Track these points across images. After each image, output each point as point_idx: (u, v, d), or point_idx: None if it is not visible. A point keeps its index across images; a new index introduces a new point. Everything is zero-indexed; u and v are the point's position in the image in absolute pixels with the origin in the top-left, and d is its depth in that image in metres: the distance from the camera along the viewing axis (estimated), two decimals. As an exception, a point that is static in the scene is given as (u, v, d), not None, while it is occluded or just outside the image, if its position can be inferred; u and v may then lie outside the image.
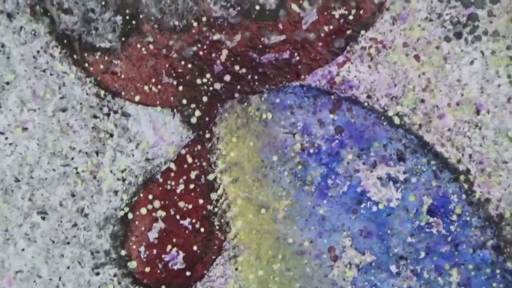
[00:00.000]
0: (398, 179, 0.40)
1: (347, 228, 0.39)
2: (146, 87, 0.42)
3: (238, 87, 0.42)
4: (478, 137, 0.40)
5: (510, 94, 0.40)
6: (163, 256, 0.41)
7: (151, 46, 0.43)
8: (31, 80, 0.42)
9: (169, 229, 0.41)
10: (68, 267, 0.41)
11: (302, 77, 0.41)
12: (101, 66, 0.42)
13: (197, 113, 0.42)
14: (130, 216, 0.41)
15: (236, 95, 0.42)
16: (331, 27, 0.41)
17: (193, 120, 0.42)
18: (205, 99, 0.42)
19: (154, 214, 0.41)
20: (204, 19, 0.43)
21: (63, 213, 0.41)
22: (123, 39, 0.43)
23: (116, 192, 0.41)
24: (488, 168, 0.40)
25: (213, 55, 0.42)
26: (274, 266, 0.40)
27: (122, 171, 0.42)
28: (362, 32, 0.41)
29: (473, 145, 0.40)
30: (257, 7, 0.42)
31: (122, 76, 0.42)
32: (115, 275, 0.41)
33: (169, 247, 0.41)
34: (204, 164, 0.41)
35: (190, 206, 0.41)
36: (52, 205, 0.41)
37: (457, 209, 0.39)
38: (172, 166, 0.41)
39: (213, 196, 0.41)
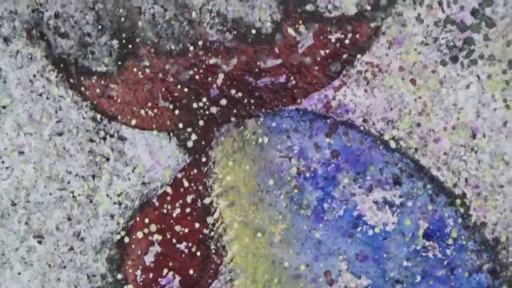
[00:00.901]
0: (394, 203, 0.38)
1: (343, 252, 0.38)
2: (142, 111, 0.41)
3: (234, 111, 0.41)
4: (474, 161, 0.39)
5: (506, 118, 0.39)
6: (159, 280, 0.39)
7: (147, 70, 0.42)
8: (27, 104, 0.41)
9: (165, 253, 0.40)
10: None
11: (298, 101, 0.40)
12: (98, 90, 0.41)
13: (193, 137, 0.40)
14: (126, 240, 0.40)
15: (232, 119, 0.40)
16: (327, 51, 0.40)
17: (190, 144, 0.40)
18: (201, 123, 0.40)
19: (150, 237, 0.40)
20: (200, 43, 0.41)
21: (60, 237, 0.40)
22: (119, 63, 0.41)
23: (112, 216, 0.40)
24: (484, 192, 0.38)
25: (209, 79, 0.41)
26: None
27: (119, 195, 0.40)
28: (358, 56, 0.40)
29: (469, 169, 0.39)
30: (253, 31, 0.41)
31: (119, 100, 0.41)
32: None
33: (165, 270, 0.39)
34: (200, 188, 0.39)
35: (187, 230, 0.40)
36: (49, 229, 0.40)
37: (453, 233, 0.38)
38: (169, 190, 0.40)
39: (209, 220, 0.39)
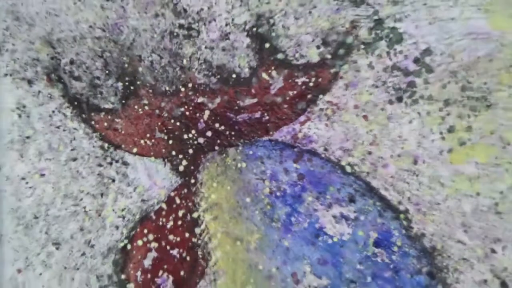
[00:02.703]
0: (349, 217, 0.40)
1: (307, 257, 0.39)
2: (142, 141, 0.42)
3: (218, 141, 0.41)
4: (415, 183, 0.40)
5: (442, 147, 0.40)
6: (155, 279, 0.40)
7: (146, 107, 0.43)
8: (47, 135, 0.42)
9: (161, 258, 0.41)
10: None
11: (271, 133, 0.41)
12: (105, 124, 0.42)
13: (184, 162, 0.41)
14: (128, 246, 0.41)
15: (216, 147, 0.41)
16: (295, 92, 0.41)
17: (181, 168, 0.41)
18: (190, 151, 0.41)
19: (148, 245, 0.41)
20: (190, 85, 0.42)
21: (74, 244, 0.41)
22: (123, 101, 0.43)
23: (117, 227, 0.41)
24: (424, 208, 0.39)
25: (197, 114, 0.42)
26: None
27: (122, 210, 0.41)
28: (320, 96, 0.41)
29: (411, 189, 0.40)
30: (234, 75, 0.42)
31: (122, 132, 0.42)
32: None
33: (160, 272, 0.40)
34: (189, 204, 0.41)
35: (178, 239, 0.40)
36: (65, 238, 0.41)
37: (398, 242, 0.39)
38: (164, 206, 0.41)
39: (197, 230, 0.41)
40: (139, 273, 0.41)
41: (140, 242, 0.41)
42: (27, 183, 0.41)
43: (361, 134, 0.42)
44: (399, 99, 0.41)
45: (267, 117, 0.41)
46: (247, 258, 0.41)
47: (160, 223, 0.41)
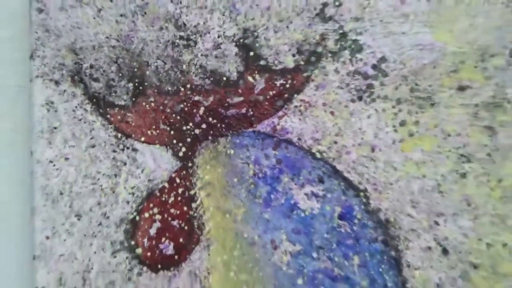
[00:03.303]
0: (318, 194, 0.41)
1: (284, 227, 0.41)
2: (148, 132, 0.43)
3: (211, 132, 0.43)
4: (372, 167, 0.41)
5: (394, 138, 0.41)
6: (159, 245, 0.42)
7: (152, 104, 0.43)
8: (71, 126, 0.43)
9: (164, 227, 0.42)
10: (95, 252, 0.42)
11: (254, 125, 0.42)
12: (118, 117, 0.43)
13: (183, 149, 0.42)
14: (137, 218, 0.42)
15: (210, 137, 0.43)
16: (274, 92, 0.43)
17: (180, 154, 0.42)
18: (188, 140, 0.42)
19: (153, 217, 0.42)
20: (188, 86, 0.43)
21: (92, 216, 0.42)
22: (133, 99, 0.44)
23: (128, 202, 0.42)
24: (379, 188, 0.41)
25: (194, 110, 0.43)
26: (234, 253, 0.41)
27: (132, 188, 0.42)
28: (295, 95, 0.42)
29: (369, 172, 0.41)
30: (224, 78, 0.43)
31: (133, 124, 0.43)
32: (127, 258, 0.42)
33: (163, 239, 0.42)
34: (187, 183, 0.42)
35: (178, 212, 0.42)
36: (85, 210, 0.42)
37: (358, 215, 0.41)
38: (166, 184, 0.42)
39: (193, 205, 0.42)
40: (145, 240, 0.42)
41: (146, 215, 0.42)
42: (54, 165, 0.42)
43: (328, 126, 0.43)
44: (360, 98, 0.42)
45: (251, 112, 0.43)
46: (234, 228, 0.42)
47: (163, 199, 0.42)
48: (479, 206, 0.41)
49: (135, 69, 0.43)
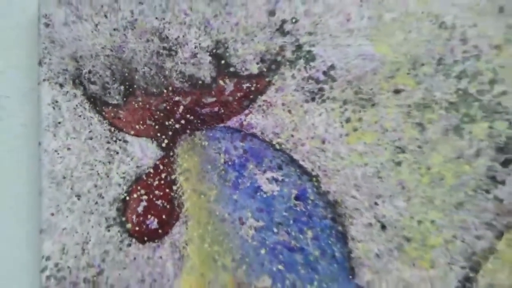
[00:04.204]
0: (278, 179, 0.42)
1: (249, 207, 0.41)
2: (137, 126, 0.42)
3: (189, 127, 0.42)
4: (323, 156, 0.42)
5: (341, 132, 0.42)
6: (146, 221, 0.42)
7: (140, 103, 0.43)
8: (72, 121, 0.43)
9: (149, 206, 0.42)
10: (92, 227, 0.41)
11: (225, 121, 0.42)
12: (112, 114, 0.43)
13: (166, 141, 0.42)
14: (127, 198, 0.42)
15: (188, 131, 0.42)
16: (241, 93, 0.43)
17: (163, 145, 0.42)
18: (170, 133, 0.42)
19: (140, 197, 0.42)
20: (170, 88, 0.43)
21: (90, 196, 0.41)
22: (124, 99, 0.43)
23: (119, 185, 0.42)
24: (329, 174, 0.41)
25: (175, 108, 0.43)
26: (208, 228, 0.41)
27: (123, 173, 0.42)
28: (259, 96, 0.43)
29: (320, 161, 0.42)
30: (200, 82, 0.43)
31: (124, 120, 0.43)
32: (118, 231, 0.42)
33: (149, 216, 0.42)
34: (169, 169, 0.42)
35: (161, 193, 0.42)
36: (84, 192, 0.41)
37: (311, 196, 0.42)
38: (151, 170, 0.42)
39: (174, 188, 0.42)
40: (134, 217, 0.42)
41: (135, 195, 0.42)
42: (58, 154, 0.42)
43: (286, 123, 0.42)
44: (313, 99, 0.43)
45: (222, 111, 0.42)
46: (208, 207, 0.42)
47: (149, 182, 0.42)
48: (411, 189, 0.43)
49: (126, 74, 0.43)
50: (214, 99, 0.45)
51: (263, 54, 0.44)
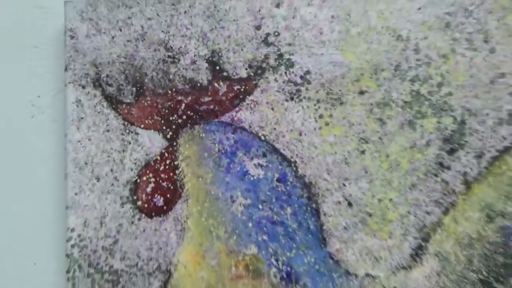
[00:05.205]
0: (263, 165, 0.45)
1: (239, 187, 0.44)
2: (146, 121, 0.46)
3: (189, 121, 0.45)
4: (300, 146, 0.45)
5: (315, 126, 0.45)
6: (153, 199, 0.45)
7: (149, 102, 0.46)
8: (92, 117, 0.46)
9: (156, 187, 0.45)
10: (109, 204, 0.45)
11: (219, 117, 0.46)
12: (125, 111, 0.46)
13: (170, 133, 0.45)
14: (138, 181, 0.45)
15: (188, 125, 0.45)
16: (233, 94, 0.46)
17: (168, 136, 0.45)
18: (173, 126, 0.45)
19: (149, 180, 0.45)
20: (174, 89, 0.46)
21: (107, 179, 0.44)
22: (136, 98, 0.47)
23: (132, 169, 0.45)
24: (305, 160, 0.45)
25: (178, 106, 0.46)
26: (205, 205, 0.45)
27: (135, 159, 0.45)
28: (247, 96, 0.46)
29: (298, 150, 0.45)
30: (198, 84, 0.46)
31: (135, 116, 0.46)
32: (130, 208, 0.45)
33: (156, 195, 0.45)
34: (173, 156, 0.45)
35: (166, 176, 0.44)
36: (102, 175, 0.45)
37: (290, 179, 0.44)
38: (158, 157, 0.45)
39: (177, 171, 0.45)
40: (143, 196, 0.45)
41: (144, 178, 0.45)
42: (81, 144, 0.45)
43: (270, 118, 0.46)
44: (292, 99, 0.46)
45: (217, 108, 0.45)
46: (205, 188, 0.45)
47: (156, 167, 0.45)
48: (373, 173, 0.46)
49: (137, 78, 0.46)
50: (210, 98, 0.48)
51: (251, 61, 0.48)
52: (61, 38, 0.47)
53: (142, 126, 0.49)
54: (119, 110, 0.49)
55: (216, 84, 0.49)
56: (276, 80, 0.48)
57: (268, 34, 0.47)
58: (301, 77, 0.48)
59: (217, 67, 0.48)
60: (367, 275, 0.45)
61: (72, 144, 0.47)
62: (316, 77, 0.48)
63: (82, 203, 0.48)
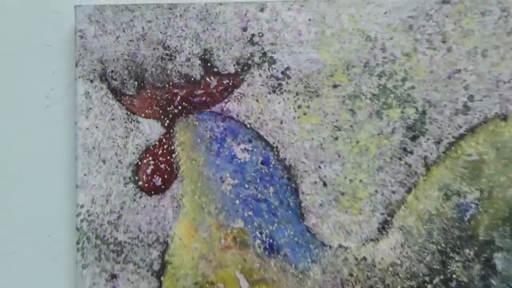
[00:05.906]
0: (249, 149, 0.48)
1: (228, 169, 0.48)
2: (147, 111, 0.49)
3: (184, 111, 0.49)
4: (282, 133, 0.49)
5: (294, 115, 0.49)
6: (152, 179, 0.49)
7: (149, 94, 0.50)
8: (99, 107, 0.49)
9: (155, 169, 0.48)
10: (114, 184, 0.49)
11: (210, 108, 0.49)
12: (128, 102, 0.50)
13: (167, 121, 0.48)
14: (139, 163, 0.48)
15: (183, 114, 0.49)
16: (222, 87, 0.50)
17: (166, 124, 0.48)
18: (171, 116, 0.49)
19: (149, 162, 0.48)
20: (170, 83, 0.50)
21: (112, 161, 0.48)
22: (138, 91, 0.50)
23: (133, 153, 0.48)
24: (285, 146, 0.49)
25: (174, 98, 0.49)
26: (198, 184, 0.48)
27: (137, 145, 0.48)
28: (235, 89, 0.50)
29: (279, 136, 0.49)
30: (192, 79, 0.49)
31: (137, 106, 0.49)
32: (133, 187, 0.49)
33: (155, 176, 0.48)
34: (170, 142, 0.48)
35: (164, 159, 0.48)
36: (107, 158, 0.48)
37: (272, 162, 0.49)
38: (157, 142, 0.49)
39: (173, 155, 0.48)
40: (144, 176, 0.48)
41: (145, 161, 0.48)
42: (89, 131, 0.49)
43: (255, 108, 0.50)
44: (274, 92, 0.50)
45: (209, 100, 0.49)
46: (198, 170, 0.49)
47: (155, 151, 0.48)
48: (345, 157, 0.51)
49: (139, 73, 0.50)
50: (202, 91, 0.52)
51: (238, 58, 0.51)
52: (72, 38, 0.52)
53: (143, 115, 0.53)
54: (122, 101, 0.53)
55: (207, 79, 0.53)
56: (260, 75, 0.52)
57: (253, 35, 0.52)
58: (282, 72, 0.52)
59: (209, 64, 0.52)
60: (340, 246, 0.51)
61: (81, 131, 0.51)
62: (295, 72, 0.52)
63: (90, 183, 0.52)
